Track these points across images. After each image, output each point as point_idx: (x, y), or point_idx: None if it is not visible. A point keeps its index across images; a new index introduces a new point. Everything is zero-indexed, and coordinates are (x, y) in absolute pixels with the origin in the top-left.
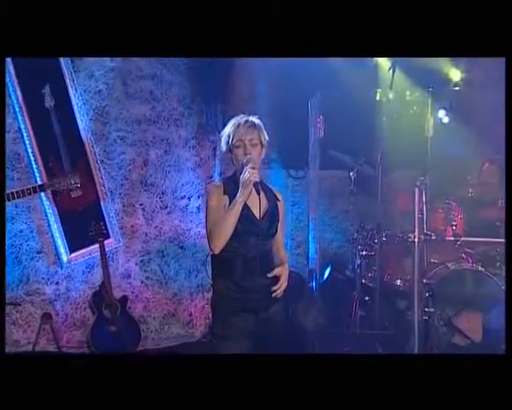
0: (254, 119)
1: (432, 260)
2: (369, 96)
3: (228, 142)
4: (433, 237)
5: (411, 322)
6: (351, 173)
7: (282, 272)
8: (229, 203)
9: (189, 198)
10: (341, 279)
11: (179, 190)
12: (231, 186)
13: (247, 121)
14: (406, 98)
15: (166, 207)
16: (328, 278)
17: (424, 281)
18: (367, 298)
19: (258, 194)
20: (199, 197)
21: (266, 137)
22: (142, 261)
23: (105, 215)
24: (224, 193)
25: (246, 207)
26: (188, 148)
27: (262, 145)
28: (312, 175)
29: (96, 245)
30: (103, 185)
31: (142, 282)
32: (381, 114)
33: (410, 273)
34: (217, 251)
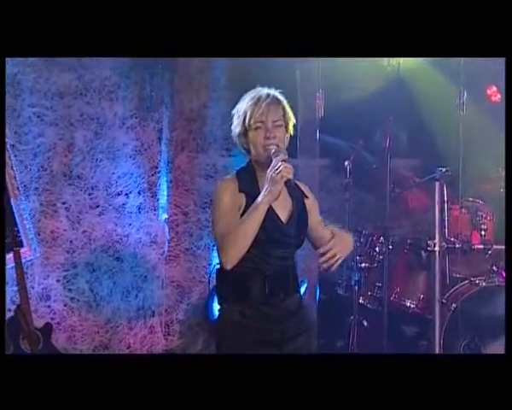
0: (277, 93)
1: (453, 275)
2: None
3: (244, 121)
4: (458, 246)
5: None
6: (346, 162)
7: (337, 236)
8: (246, 203)
9: (126, 194)
10: (326, 299)
11: (114, 184)
12: (248, 181)
13: (268, 95)
14: (430, 66)
15: (98, 207)
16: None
17: (443, 301)
18: (365, 323)
19: (286, 189)
20: (140, 193)
21: (293, 119)
22: (65, 277)
23: (16, 217)
24: (240, 190)
25: (269, 208)
26: (125, 129)
27: (287, 127)
28: (305, 166)
29: (7, 256)
30: (14, 178)
31: (65, 305)
32: (395, 87)
33: (425, 291)
34: (229, 266)
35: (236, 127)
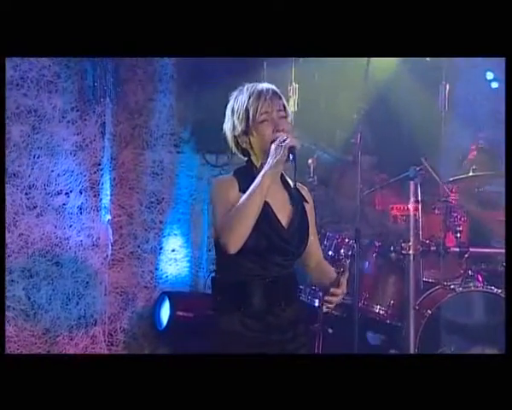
0: (274, 87)
1: (424, 279)
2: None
3: (247, 118)
4: (433, 248)
5: None
6: (309, 161)
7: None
8: None
9: (67, 194)
10: None
11: (53, 182)
12: (249, 181)
13: (268, 90)
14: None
15: (35, 207)
16: None
17: (416, 307)
18: (330, 330)
19: (287, 190)
20: (81, 192)
21: (289, 111)
22: None
23: None
24: (240, 190)
25: (269, 210)
26: (66, 123)
27: (288, 117)
28: None
29: None
30: None
31: None
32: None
33: (395, 297)
34: (234, 250)
35: (237, 126)
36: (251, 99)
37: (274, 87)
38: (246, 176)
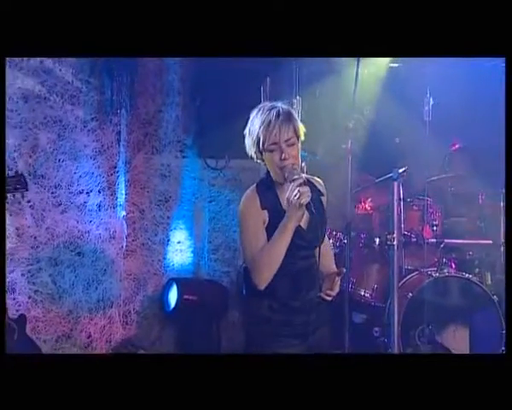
0: (285, 106)
1: (407, 267)
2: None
3: (258, 145)
4: (413, 240)
5: (384, 342)
6: (302, 164)
7: (338, 281)
8: (269, 218)
9: (87, 193)
10: None
11: (76, 182)
12: (269, 197)
13: (278, 114)
14: (396, 71)
15: (60, 205)
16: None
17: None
18: None
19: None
20: (100, 192)
21: (303, 128)
22: (29, 272)
23: None
24: (262, 207)
25: None
26: (86, 131)
27: (299, 138)
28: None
29: None
30: None
31: (29, 297)
32: (361, 89)
33: (379, 282)
34: (263, 286)
35: (251, 149)
36: (261, 128)
37: (285, 108)
38: (266, 191)
